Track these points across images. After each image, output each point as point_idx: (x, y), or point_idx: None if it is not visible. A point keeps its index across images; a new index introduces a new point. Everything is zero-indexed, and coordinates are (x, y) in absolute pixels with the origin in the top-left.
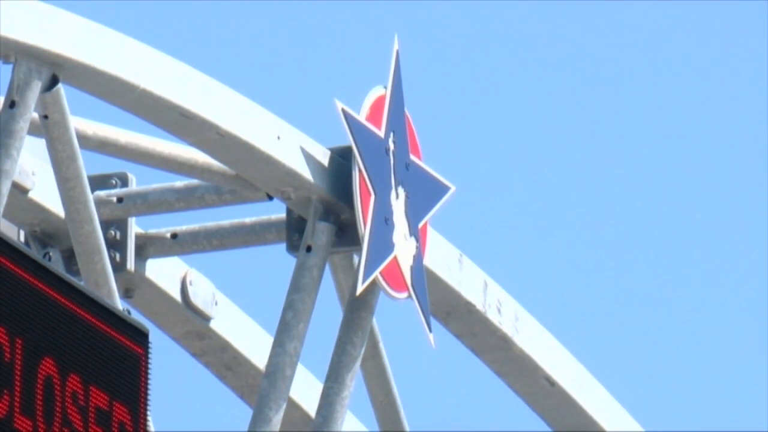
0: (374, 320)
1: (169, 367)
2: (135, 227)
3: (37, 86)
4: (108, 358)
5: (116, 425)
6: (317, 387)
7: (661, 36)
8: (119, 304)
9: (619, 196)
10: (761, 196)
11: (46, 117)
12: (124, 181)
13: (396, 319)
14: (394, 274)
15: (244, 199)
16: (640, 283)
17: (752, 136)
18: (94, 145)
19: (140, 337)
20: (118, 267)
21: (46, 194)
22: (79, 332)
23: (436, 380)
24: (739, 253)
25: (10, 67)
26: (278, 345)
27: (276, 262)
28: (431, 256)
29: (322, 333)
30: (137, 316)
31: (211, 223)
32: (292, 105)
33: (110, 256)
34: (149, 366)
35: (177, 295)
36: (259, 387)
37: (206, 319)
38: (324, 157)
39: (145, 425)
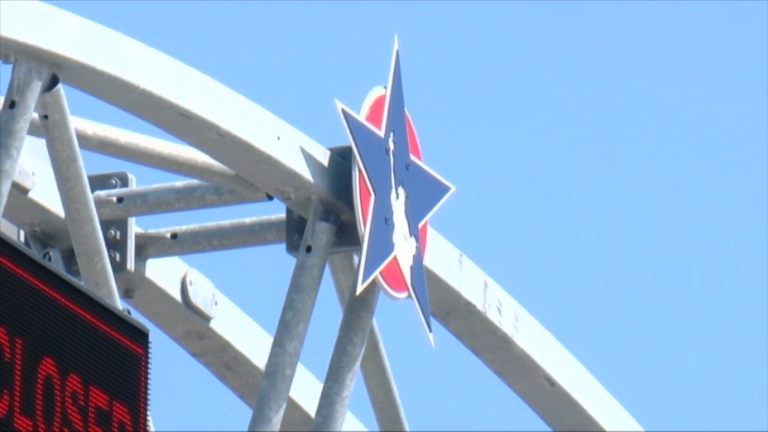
0: (374, 320)
1: (169, 367)
2: (135, 227)
3: (37, 86)
4: (108, 358)
5: (116, 425)
6: (317, 387)
7: (661, 36)
8: (119, 304)
9: (619, 196)
10: (761, 196)
11: (46, 117)
12: (124, 181)
13: (396, 319)
14: (394, 274)
15: (244, 199)
16: (640, 283)
17: (752, 136)
18: (94, 145)
19: (140, 337)
20: (118, 267)
21: (46, 194)
22: (79, 332)
23: (436, 380)
24: (739, 253)
25: (10, 67)
26: (278, 345)
27: (276, 262)
28: (431, 256)
29: (322, 333)
30: (137, 316)
31: (211, 223)
32: (292, 105)
33: (110, 256)
34: (149, 366)
35: (177, 295)
36: (259, 387)
37: (206, 319)
38: (324, 157)
39: (145, 425)
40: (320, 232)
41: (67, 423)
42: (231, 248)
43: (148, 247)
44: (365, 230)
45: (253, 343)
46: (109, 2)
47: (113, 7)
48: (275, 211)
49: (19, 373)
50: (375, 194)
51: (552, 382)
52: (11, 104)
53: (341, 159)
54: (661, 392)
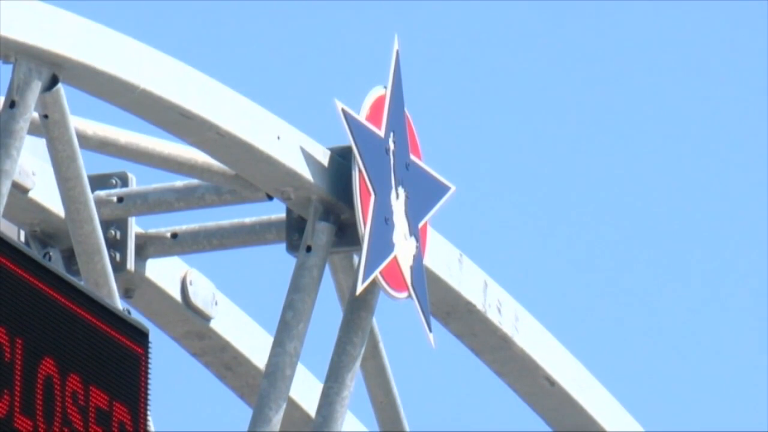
0: (374, 320)
1: (169, 367)
2: (135, 227)
3: (37, 86)
4: (108, 358)
5: (116, 425)
6: (317, 387)
7: (661, 36)
8: (119, 304)
9: (618, 196)
10: (761, 196)
11: (46, 117)
12: (124, 181)
13: (396, 319)
14: (394, 274)
15: (244, 199)
16: (640, 283)
17: (752, 136)
18: (94, 145)
19: (140, 337)
20: (118, 267)
21: (46, 194)
22: (79, 332)
23: (436, 380)
24: (739, 253)
25: (10, 67)
26: (278, 345)
27: (276, 262)
28: (431, 256)
29: (322, 333)
30: (137, 316)
31: (211, 223)
32: (292, 105)
33: (110, 256)
34: (149, 366)
35: (177, 295)
36: (259, 387)
37: (206, 319)
38: (324, 157)
39: (145, 425)
40: (320, 232)
41: (67, 423)
42: (231, 248)
43: (148, 247)
44: (365, 230)
45: (253, 343)
46: (109, 2)
47: (113, 7)
48: (275, 211)
49: (19, 373)
50: (375, 194)
51: (552, 382)
52: (11, 104)
53: (341, 159)
54: (661, 392)
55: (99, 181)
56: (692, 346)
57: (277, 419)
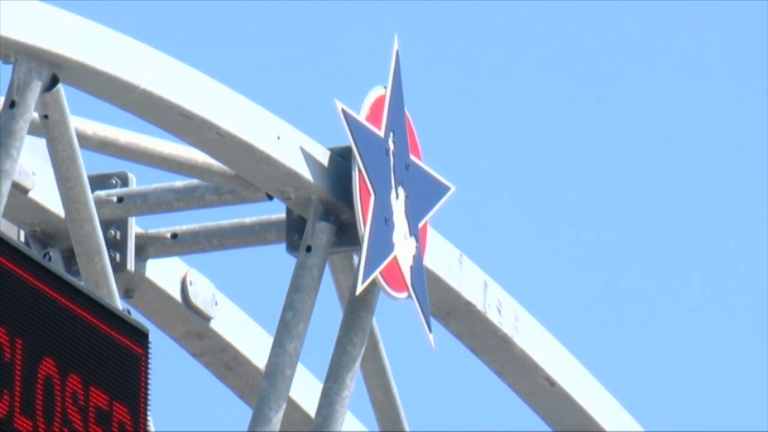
0: (374, 320)
1: (169, 367)
2: (135, 227)
3: (37, 86)
4: (108, 358)
5: (116, 425)
6: (317, 387)
7: (661, 36)
8: (119, 304)
9: (618, 196)
10: (761, 196)
11: (46, 117)
12: (124, 181)
13: (396, 319)
14: (394, 274)
15: (244, 199)
16: (640, 283)
17: (752, 136)
18: (94, 145)
19: (140, 337)
20: (118, 267)
21: (46, 194)
22: (79, 332)
23: (436, 380)
24: (739, 253)
25: (10, 67)
26: (278, 345)
27: (276, 262)
28: (431, 256)
29: (322, 333)
30: (137, 316)
31: (211, 223)
32: (292, 105)
33: (110, 256)
34: (149, 366)
35: (177, 295)
36: (259, 387)
37: (206, 319)
38: (324, 157)
39: (145, 425)
40: (320, 232)
41: (67, 423)
42: (231, 248)
43: (148, 247)
44: (365, 230)
45: (253, 343)
46: (109, 2)
47: (113, 7)
48: (275, 211)
49: (19, 373)
50: (375, 194)
51: (552, 382)
52: (11, 104)
53: (341, 159)
54: (661, 392)
55: (99, 181)
56: (692, 346)
57: (277, 419)
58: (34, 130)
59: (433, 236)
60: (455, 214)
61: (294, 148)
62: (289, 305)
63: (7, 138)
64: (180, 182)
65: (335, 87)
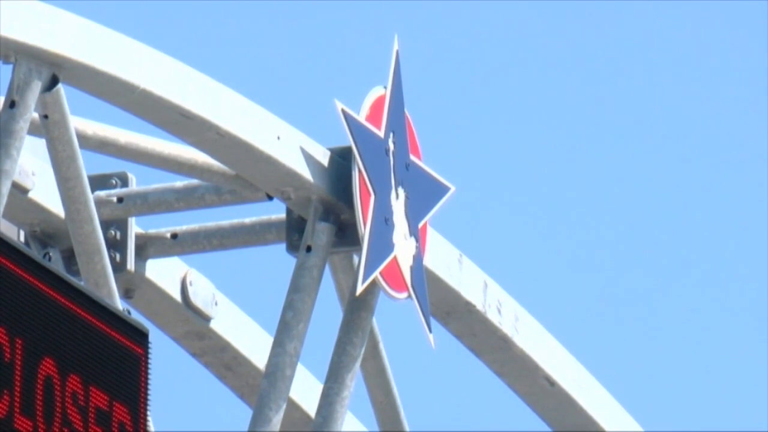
0: (374, 320)
1: (169, 367)
2: (135, 227)
3: (37, 86)
4: (108, 358)
5: (116, 425)
6: (317, 387)
7: (661, 36)
8: (119, 304)
9: (618, 196)
10: (761, 196)
11: (46, 117)
12: (124, 181)
13: (396, 319)
14: (394, 274)
15: (244, 199)
16: (640, 283)
17: (752, 136)
18: (94, 145)
19: (140, 337)
20: (118, 267)
21: (46, 194)
22: (79, 332)
23: (436, 380)
24: (739, 254)
25: (10, 67)
26: (278, 345)
27: (276, 262)
28: (431, 256)
29: (322, 333)
30: (137, 316)
31: (211, 223)
32: (292, 105)
33: (110, 256)
34: (149, 366)
35: (177, 295)
36: (259, 387)
37: (206, 319)
38: (324, 157)
39: (145, 425)
40: (320, 232)
41: (67, 423)
42: (231, 248)
43: (148, 247)
44: (365, 230)
45: (253, 343)
46: (109, 2)
47: (113, 7)
48: (275, 211)
49: (19, 373)
50: (375, 194)
51: (552, 382)
52: (11, 104)
53: (341, 159)
54: (661, 392)
55: (99, 181)
56: (692, 346)
57: (277, 419)
58: (34, 130)
59: (433, 236)
60: (455, 214)
61: (294, 148)
62: (289, 305)
63: (7, 138)
64: (180, 182)
65: (335, 87)
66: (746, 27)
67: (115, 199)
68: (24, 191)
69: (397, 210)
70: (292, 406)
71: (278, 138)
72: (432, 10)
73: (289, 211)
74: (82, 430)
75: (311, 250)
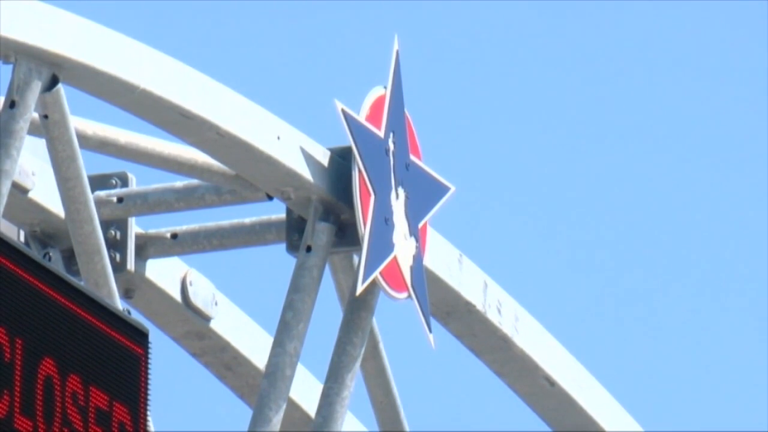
0: (374, 320)
1: (169, 367)
2: (135, 227)
3: (37, 86)
4: (108, 358)
5: (116, 425)
6: (317, 387)
7: (661, 36)
8: (119, 304)
9: (618, 196)
10: (761, 196)
11: (46, 117)
12: (124, 181)
13: (396, 319)
14: (394, 274)
15: (244, 199)
16: (640, 283)
17: (752, 136)
18: (94, 145)
19: (140, 337)
20: (118, 267)
21: (46, 194)
22: (79, 332)
23: (436, 380)
24: (739, 254)
25: (10, 67)
26: (278, 345)
27: (276, 262)
28: (431, 256)
29: (322, 333)
30: (137, 316)
31: (211, 223)
32: (292, 105)
33: (110, 256)
34: (149, 366)
35: (177, 295)
36: (259, 387)
37: (206, 319)
38: (324, 157)
39: (145, 425)
40: (320, 232)
41: (67, 423)
42: (231, 248)
43: (148, 247)
44: (365, 230)
45: (253, 343)
46: (109, 2)
47: (113, 7)
48: (275, 211)
49: (19, 373)
50: (375, 194)
51: (552, 382)
52: (11, 104)
53: (341, 159)
54: (661, 392)
55: (99, 181)
56: (692, 346)
57: (277, 419)
58: (34, 130)
59: (433, 236)
60: (455, 214)
61: (294, 148)
62: (289, 305)
63: (7, 138)
64: (180, 182)
65: (335, 87)
66: (746, 27)
67: (115, 199)
68: (24, 191)
69: (397, 210)
70: (292, 406)
71: (278, 138)
72: (432, 10)
73: (289, 211)
74: (82, 430)
75: (311, 250)
